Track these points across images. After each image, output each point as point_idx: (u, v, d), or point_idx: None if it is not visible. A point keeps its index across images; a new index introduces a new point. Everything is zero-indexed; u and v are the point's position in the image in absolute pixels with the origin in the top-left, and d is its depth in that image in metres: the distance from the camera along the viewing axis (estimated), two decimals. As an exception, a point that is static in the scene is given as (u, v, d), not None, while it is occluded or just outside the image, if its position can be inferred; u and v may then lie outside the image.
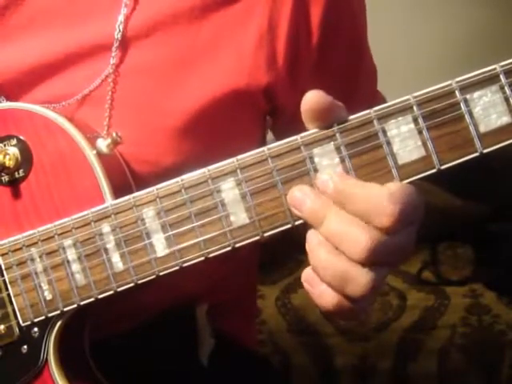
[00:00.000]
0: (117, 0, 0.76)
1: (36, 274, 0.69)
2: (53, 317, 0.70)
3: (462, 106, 0.60)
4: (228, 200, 0.64)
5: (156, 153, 0.76)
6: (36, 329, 0.70)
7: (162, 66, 0.76)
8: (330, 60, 0.82)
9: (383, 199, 0.59)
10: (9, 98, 0.77)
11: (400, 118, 0.61)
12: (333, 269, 0.60)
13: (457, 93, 0.60)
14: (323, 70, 0.82)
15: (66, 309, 0.69)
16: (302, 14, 0.78)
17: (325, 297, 0.62)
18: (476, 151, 0.60)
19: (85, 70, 0.76)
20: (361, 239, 0.59)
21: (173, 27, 0.76)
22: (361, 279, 0.60)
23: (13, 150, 0.71)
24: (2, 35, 0.78)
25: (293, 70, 0.79)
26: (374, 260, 0.60)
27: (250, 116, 0.82)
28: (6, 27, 0.78)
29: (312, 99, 0.61)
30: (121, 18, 0.75)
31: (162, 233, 0.66)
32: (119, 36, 0.75)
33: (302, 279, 0.63)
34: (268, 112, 0.83)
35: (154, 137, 0.76)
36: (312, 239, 0.62)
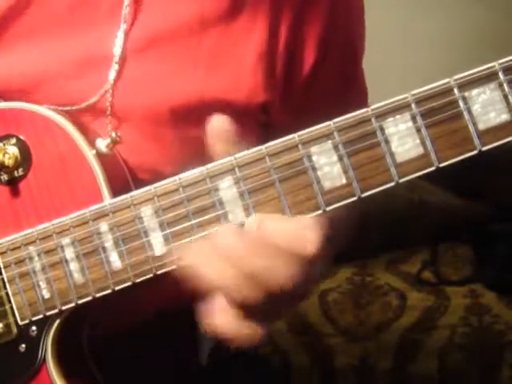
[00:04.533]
0: (117, 12, 0.76)
1: (34, 272, 0.69)
2: (51, 315, 0.69)
3: (461, 103, 0.60)
4: (226, 198, 0.64)
5: (155, 163, 0.77)
6: (34, 327, 0.70)
7: (160, 77, 0.76)
8: (322, 81, 0.83)
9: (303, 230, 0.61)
10: None
11: (398, 116, 0.61)
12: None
13: (455, 90, 0.60)
14: (315, 89, 0.82)
15: (63, 307, 0.69)
16: (298, 34, 0.78)
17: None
18: (475, 149, 0.60)
19: (84, 82, 0.76)
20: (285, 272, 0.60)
21: (172, 42, 0.76)
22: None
23: (12, 149, 0.71)
24: (0, 44, 0.78)
25: (287, 88, 0.80)
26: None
27: (247, 128, 0.82)
28: (5, 37, 0.78)
29: (216, 124, 0.64)
30: (120, 33, 0.75)
31: (159, 231, 0.65)
32: (119, 52, 0.75)
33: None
34: (264, 124, 0.83)
35: (153, 146, 0.77)
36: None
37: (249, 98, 0.78)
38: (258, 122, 0.82)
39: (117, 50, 0.75)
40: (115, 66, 0.75)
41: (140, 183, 0.74)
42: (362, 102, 0.92)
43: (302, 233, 0.61)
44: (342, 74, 0.86)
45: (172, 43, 0.76)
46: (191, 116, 0.76)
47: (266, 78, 0.78)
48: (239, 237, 0.61)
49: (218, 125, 0.64)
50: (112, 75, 0.76)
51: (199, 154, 0.76)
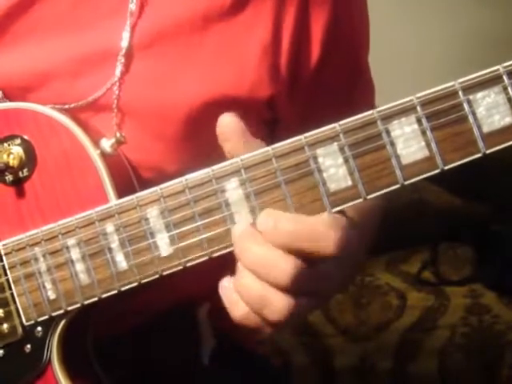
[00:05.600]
0: (121, 10, 0.76)
1: (39, 273, 0.69)
2: (56, 316, 0.70)
3: (466, 106, 0.60)
4: (232, 200, 0.64)
5: (159, 160, 0.77)
6: (39, 328, 0.70)
7: (164, 74, 0.76)
8: (329, 74, 0.82)
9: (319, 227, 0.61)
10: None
11: (403, 119, 0.61)
12: (252, 292, 0.63)
13: (460, 93, 0.60)
14: (322, 84, 0.82)
15: (69, 308, 0.69)
16: (303, 27, 0.78)
17: (236, 309, 0.65)
18: (479, 152, 0.60)
19: (89, 78, 0.76)
20: (284, 267, 0.61)
21: (175, 37, 0.76)
22: (278, 304, 0.62)
23: (17, 150, 0.71)
24: (3, 42, 0.78)
25: (293, 83, 0.80)
26: (297, 287, 0.62)
27: (252, 126, 0.82)
28: (7, 35, 0.78)
29: (224, 122, 0.65)
30: (126, 27, 0.75)
31: (165, 232, 0.66)
32: (125, 46, 0.75)
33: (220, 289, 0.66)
34: (268, 122, 0.84)
35: (156, 144, 0.77)
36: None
37: (253, 93, 0.78)
38: (264, 118, 0.82)
39: (123, 44, 0.75)
40: (121, 60, 0.76)
41: (144, 182, 0.74)
42: (369, 98, 0.92)
43: (319, 233, 0.61)
44: (348, 69, 0.86)
45: (177, 38, 0.76)
46: (196, 112, 0.77)
47: (270, 72, 0.78)
48: (254, 240, 0.62)
49: (227, 123, 0.64)
50: (118, 70, 0.76)
51: (204, 151, 0.76)
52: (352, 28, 0.84)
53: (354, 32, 0.85)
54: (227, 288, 0.65)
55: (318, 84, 0.82)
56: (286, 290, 0.62)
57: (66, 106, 0.76)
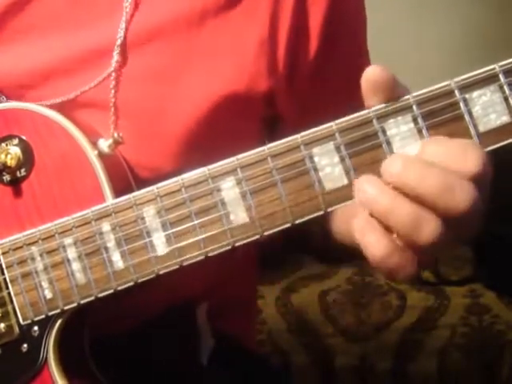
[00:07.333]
0: (117, 6, 0.76)
1: (36, 272, 0.69)
2: (53, 315, 0.70)
3: (462, 105, 0.60)
4: (228, 199, 0.64)
5: (156, 160, 0.77)
6: (36, 327, 0.70)
7: (162, 71, 0.76)
8: (329, 68, 0.82)
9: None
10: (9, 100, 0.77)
11: (399, 118, 0.61)
12: (404, 212, 0.57)
13: (456, 92, 0.60)
14: (321, 78, 0.82)
15: (66, 307, 0.69)
16: (301, 21, 0.78)
17: (377, 246, 0.58)
18: (476, 150, 0.60)
19: (86, 74, 0.77)
20: (435, 183, 0.56)
21: (172, 33, 0.76)
22: (434, 223, 0.56)
23: (14, 150, 0.71)
24: (0, 40, 0.78)
25: (292, 77, 0.80)
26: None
27: (250, 123, 0.82)
28: (5, 32, 0.78)
29: (372, 73, 0.59)
30: (122, 23, 0.76)
31: (162, 231, 0.66)
32: (121, 40, 0.76)
33: (354, 228, 0.59)
34: (269, 119, 0.83)
35: (154, 143, 0.77)
36: (370, 187, 0.58)
37: (251, 86, 0.78)
38: (264, 115, 0.82)
39: (119, 40, 0.76)
40: (117, 55, 0.76)
41: (142, 181, 0.74)
42: None
43: (464, 151, 0.57)
44: (348, 63, 0.85)
45: (174, 35, 0.76)
46: (193, 109, 0.77)
47: (267, 65, 0.78)
48: (406, 165, 0.57)
49: (378, 73, 0.59)
50: (114, 63, 0.76)
51: (204, 149, 0.76)
52: (351, 21, 0.84)
53: (352, 25, 0.85)
54: (364, 225, 0.58)
55: (317, 78, 0.82)
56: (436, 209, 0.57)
57: (59, 100, 0.76)
